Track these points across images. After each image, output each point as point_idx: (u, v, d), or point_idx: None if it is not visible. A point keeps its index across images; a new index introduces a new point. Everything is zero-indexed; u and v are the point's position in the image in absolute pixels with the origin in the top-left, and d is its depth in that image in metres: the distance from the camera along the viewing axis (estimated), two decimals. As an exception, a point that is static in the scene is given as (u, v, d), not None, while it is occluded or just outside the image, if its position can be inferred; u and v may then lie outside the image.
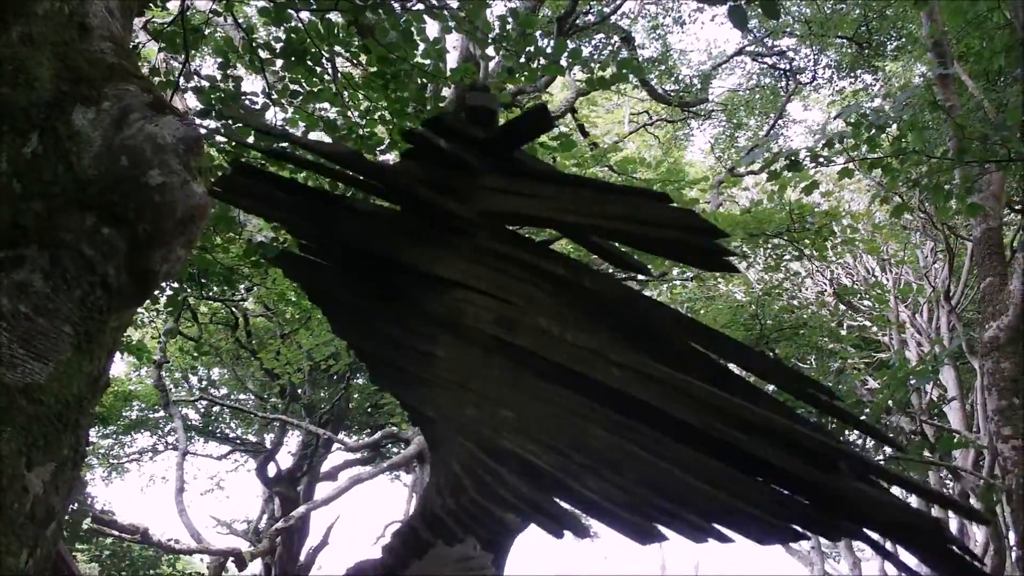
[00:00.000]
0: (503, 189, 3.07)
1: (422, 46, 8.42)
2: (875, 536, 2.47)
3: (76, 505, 16.55)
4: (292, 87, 8.96)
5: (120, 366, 25.20)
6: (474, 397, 2.80)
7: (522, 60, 9.03)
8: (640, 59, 24.61)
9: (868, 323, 22.40)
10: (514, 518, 2.69)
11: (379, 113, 9.40)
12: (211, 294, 15.61)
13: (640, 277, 21.43)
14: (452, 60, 15.61)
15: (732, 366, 2.91)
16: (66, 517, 2.83)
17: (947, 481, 20.50)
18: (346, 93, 9.47)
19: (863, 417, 16.15)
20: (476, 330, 2.84)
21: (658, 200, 2.86)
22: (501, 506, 2.66)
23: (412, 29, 8.20)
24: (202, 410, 27.73)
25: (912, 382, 13.86)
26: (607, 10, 22.61)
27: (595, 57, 23.73)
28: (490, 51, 9.62)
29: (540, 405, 2.70)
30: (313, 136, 13.32)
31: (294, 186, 3.14)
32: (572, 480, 2.56)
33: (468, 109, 3.16)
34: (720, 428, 2.54)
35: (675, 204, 2.83)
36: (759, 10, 5.92)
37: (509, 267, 2.93)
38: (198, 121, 7.54)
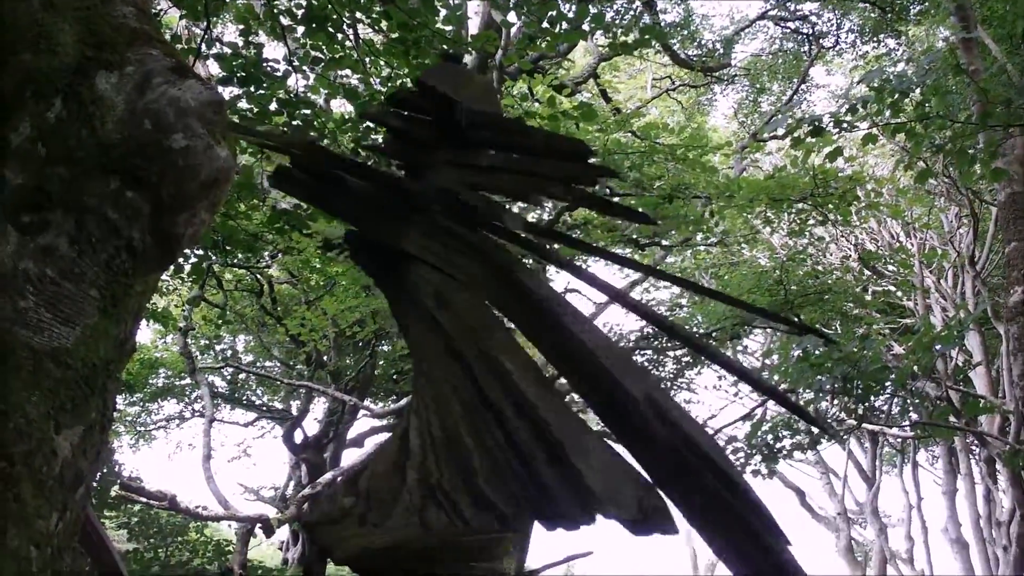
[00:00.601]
0: (453, 162, 3.13)
1: (443, 12, 8.41)
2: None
3: (104, 472, 16.65)
4: (313, 54, 8.95)
5: (146, 333, 25.34)
6: (421, 374, 2.83)
7: (544, 26, 9.00)
8: (662, 24, 24.52)
9: (893, 288, 22.34)
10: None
11: (400, 80, 9.40)
12: (236, 261, 15.66)
13: (665, 243, 21.45)
14: (473, 27, 15.59)
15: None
16: (94, 483, 2.86)
17: (973, 447, 20.47)
18: (367, 60, 9.47)
19: (888, 383, 16.13)
20: (425, 306, 2.88)
21: (577, 157, 2.92)
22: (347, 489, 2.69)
23: (433, -6, 8.19)
24: (228, 377, 27.85)
25: (937, 347, 13.84)
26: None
27: (617, 21, 23.66)
28: (511, 17, 9.59)
29: (444, 385, 2.73)
30: (335, 104, 13.35)
31: (330, 175, 3.17)
32: (412, 461, 2.59)
33: (418, 83, 3.21)
34: (503, 413, 2.58)
35: (593, 161, 2.88)
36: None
37: (455, 242, 2.97)
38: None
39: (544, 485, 2.41)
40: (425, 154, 3.15)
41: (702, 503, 2.38)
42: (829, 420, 17.91)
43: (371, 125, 9.37)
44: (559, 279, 30.79)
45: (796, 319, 20.10)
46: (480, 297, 2.86)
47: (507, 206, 3.20)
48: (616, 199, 19.19)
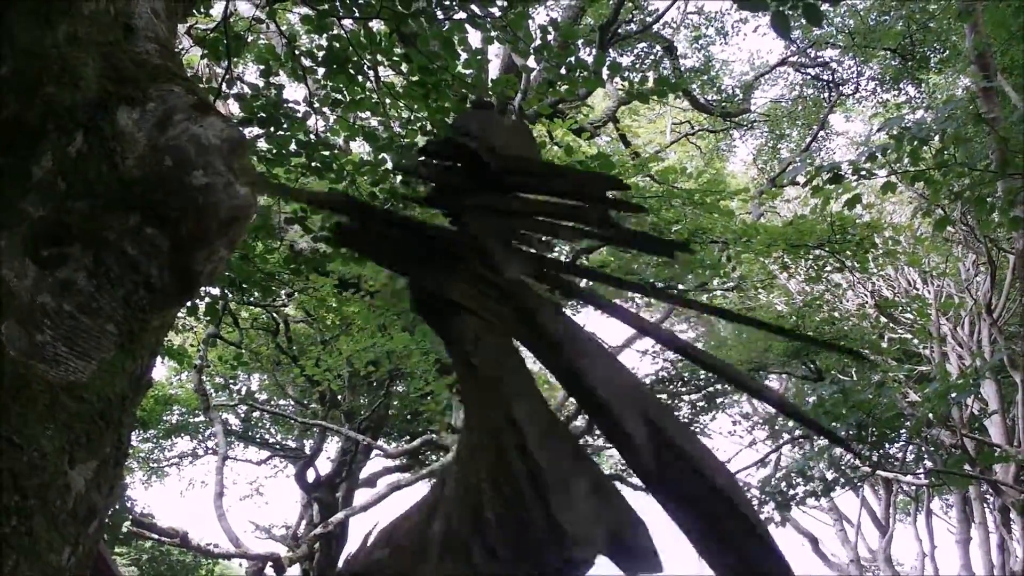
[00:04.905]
0: (485, 208, 3.15)
1: (464, 56, 8.42)
2: None
3: (116, 508, 16.65)
4: (334, 96, 8.97)
5: (161, 370, 25.33)
6: (465, 420, 2.86)
7: (563, 71, 9.02)
8: (682, 69, 24.63)
9: (909, 336, 22.27)
10: None
11: (420, 124, 9.41)
12: (252, 299, 15.68)
13: (682, 287, 21.44)
14: (493, 70, 15.66)
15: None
16: (106, 518, 2.86)
17: (987, 496, 20.35)
18: (387, 102, 9.49)
19: (903, 430, 16.07)
20: (465, 352, 2.89)
21: (612, 188, 2.96)
22: None
23: (454, 39, 8.20)
24: (242, 415, 27.86)
25: (953, 396, 13.80)
26: (649, 19, 22.65)
27: (636, 66, 23.76)
28: (531, 62, 9.61)
29: (480, 432, 2.74)
30: (354, 146, 13.39)
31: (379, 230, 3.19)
32: (440, 510, 2.62)
33: (451, 130, 3.22)
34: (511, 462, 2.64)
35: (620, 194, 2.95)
36: (802, 19, 5.90)
37: (489, 288, 2.99)
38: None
39: (537, 534, 2.41)
40: (462, 201, 3.17)
41: (720, 548, 2.36)
42: (843, 467, 17.82)
43: (389, 168, 9.39)
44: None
45: (812, 365, 20.07)
46: (508, 340, 2.87)
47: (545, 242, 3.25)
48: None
